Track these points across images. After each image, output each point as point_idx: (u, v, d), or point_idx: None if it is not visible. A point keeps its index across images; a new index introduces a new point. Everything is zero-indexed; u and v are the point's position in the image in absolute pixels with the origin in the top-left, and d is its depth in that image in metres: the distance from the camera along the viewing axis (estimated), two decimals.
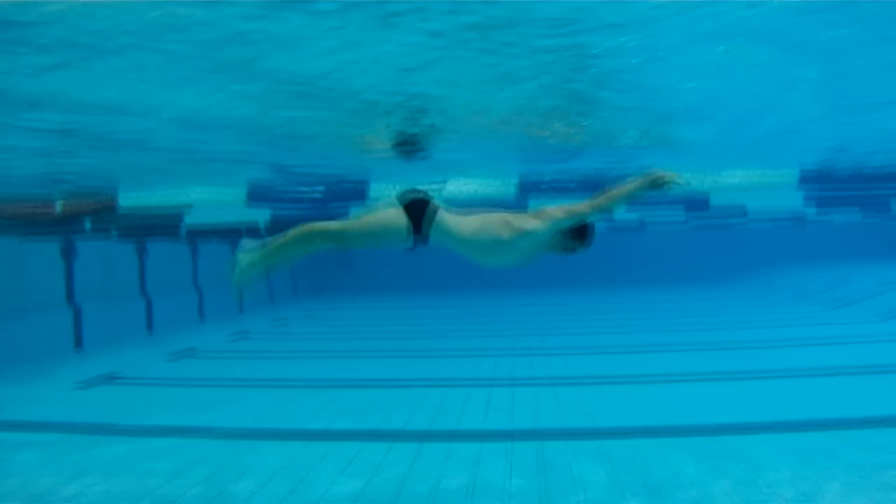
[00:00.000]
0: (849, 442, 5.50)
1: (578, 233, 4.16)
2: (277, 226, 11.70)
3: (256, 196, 11.37)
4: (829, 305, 15.54)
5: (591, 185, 8.60)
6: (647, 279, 23.35)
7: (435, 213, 4.09)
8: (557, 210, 4.12)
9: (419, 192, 4.19)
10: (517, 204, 10.36)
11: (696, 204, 13.48)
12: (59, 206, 10.87)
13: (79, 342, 12.33)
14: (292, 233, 4.13)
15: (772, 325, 13.20)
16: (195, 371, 10.15)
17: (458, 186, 11.00)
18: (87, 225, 11.74)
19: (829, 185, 11.23)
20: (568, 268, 23.65)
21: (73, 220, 11.40)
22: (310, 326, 15.54)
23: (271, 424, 6.78)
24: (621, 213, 14.27)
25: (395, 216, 4.05)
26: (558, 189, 11.21)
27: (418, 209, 4.08)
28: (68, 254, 12.51)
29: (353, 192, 11.28)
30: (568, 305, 18.29)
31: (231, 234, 16.11)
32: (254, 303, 19.58)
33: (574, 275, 23.82)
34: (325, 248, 4.31)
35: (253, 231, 12.64)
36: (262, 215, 12.16)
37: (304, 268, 24.11)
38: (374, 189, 11.09)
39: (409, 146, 8.39)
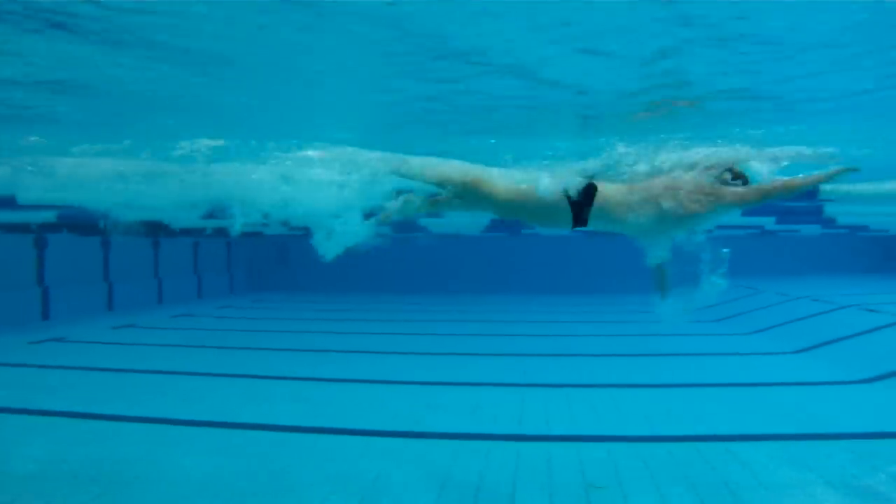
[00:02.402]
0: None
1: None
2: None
3: None
4: (712, 318, 15.74)
5: None
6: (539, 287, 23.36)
7: (594, 196, 4.00)
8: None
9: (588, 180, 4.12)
10: None
11: None
12: None
13: None
14: (456, 181, 4.26)
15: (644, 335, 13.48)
16: (43, 357, 10.57)
17: None
18: None
19: None
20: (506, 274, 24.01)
21: None
22: (209, 322, 15.88)
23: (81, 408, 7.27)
24: None
25: (557, 202, 4.03)
26: None
27: (584, 196, 4.02)
28: None
29: None
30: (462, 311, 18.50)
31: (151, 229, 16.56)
32: (180, 296, 20.02)
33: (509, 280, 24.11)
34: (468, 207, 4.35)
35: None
36: None
37: (242, 264, 24.54)
38: None
39: None
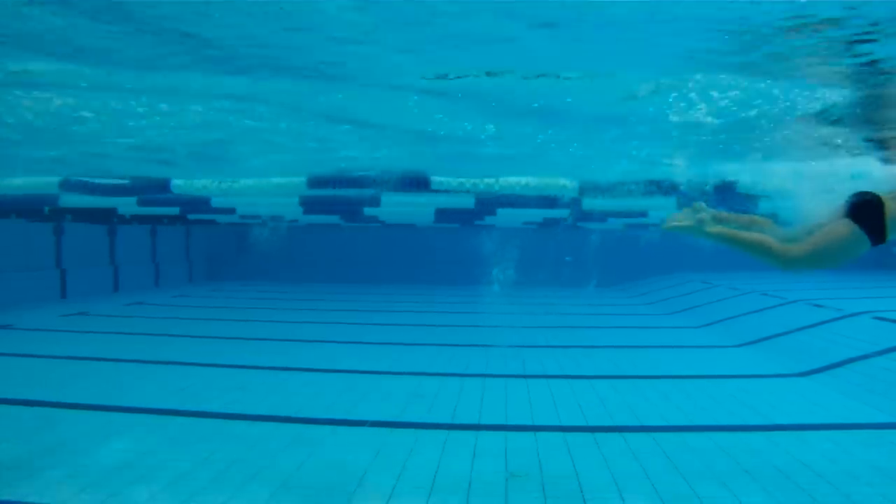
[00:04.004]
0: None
1: None
2: None
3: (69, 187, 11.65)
4: (665, 312, 16.00)
5: None
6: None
7: (884, 209, 3.63)
8: None
9: (865, 193, 3.73)
10: None
11: None
12: None
13: None
14: (746, 236, 3.91)
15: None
16: None
17: None
18: None
19: None
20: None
21: None
22: (162, 311, 15.72)
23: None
24: None
25: (848, 233, 3.66)
26: None
27: (869, 213, 3.65)
28: None
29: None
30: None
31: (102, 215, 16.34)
32: (137, 284, 19.80)
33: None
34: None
35: None
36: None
37: (202, 252, 24.32)
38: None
39: None
